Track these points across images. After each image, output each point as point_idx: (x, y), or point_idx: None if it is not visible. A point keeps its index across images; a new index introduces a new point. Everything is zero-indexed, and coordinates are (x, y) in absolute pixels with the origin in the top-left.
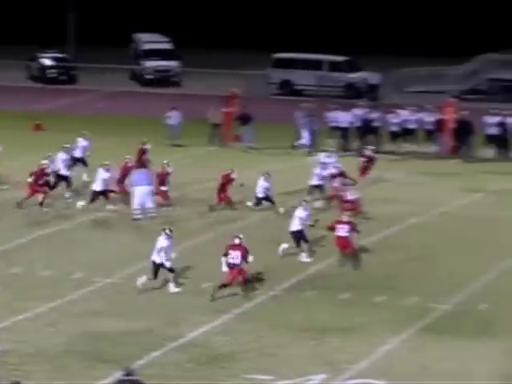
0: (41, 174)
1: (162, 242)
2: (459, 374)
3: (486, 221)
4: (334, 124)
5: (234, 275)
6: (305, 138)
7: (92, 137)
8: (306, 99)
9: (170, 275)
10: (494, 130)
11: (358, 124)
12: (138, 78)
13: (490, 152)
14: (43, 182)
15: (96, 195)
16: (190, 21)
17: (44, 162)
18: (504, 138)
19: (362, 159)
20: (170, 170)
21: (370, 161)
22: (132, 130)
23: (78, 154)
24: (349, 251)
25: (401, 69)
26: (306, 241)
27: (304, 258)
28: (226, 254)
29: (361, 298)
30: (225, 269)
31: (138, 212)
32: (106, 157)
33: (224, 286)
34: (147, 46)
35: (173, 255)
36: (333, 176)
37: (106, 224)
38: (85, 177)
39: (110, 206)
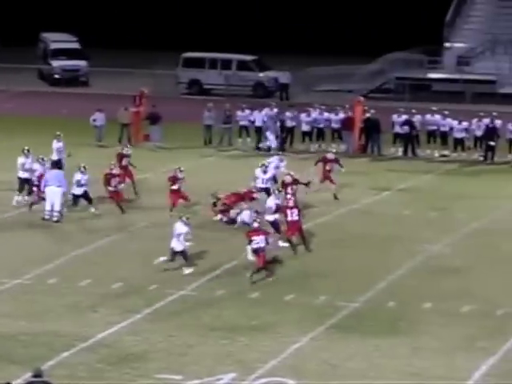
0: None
1: (181, 228)
2: (368, 372)
3: (393, 219)
4: (245, 123)
5: (264, 258)
6: (271, 139)
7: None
8: (215, 98)
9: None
10: (401, 129)
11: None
12: (46, 77)
13: (397, 150)
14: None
15: (77, 198)
16: (97, 20)
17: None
18: (411, 137)
19: (327, 167)
20: (180, 175)
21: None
22: (41, 129)
23: (54, 156)
24: (301, 234)
25: (308, 68)
26: (279, 230)
27: (281, 243)
28: (249, 242)
29: (270, 297)
30: (251, 258)
31: (48, 213)
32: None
33: (259, 270)
34: (55, 46)
35: (188, 243)
36: (286, 184)
37: (16, 224)
38: None
39: (92, 209)
